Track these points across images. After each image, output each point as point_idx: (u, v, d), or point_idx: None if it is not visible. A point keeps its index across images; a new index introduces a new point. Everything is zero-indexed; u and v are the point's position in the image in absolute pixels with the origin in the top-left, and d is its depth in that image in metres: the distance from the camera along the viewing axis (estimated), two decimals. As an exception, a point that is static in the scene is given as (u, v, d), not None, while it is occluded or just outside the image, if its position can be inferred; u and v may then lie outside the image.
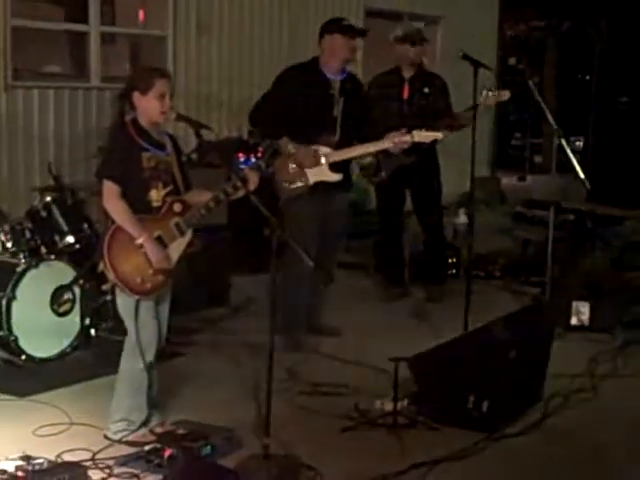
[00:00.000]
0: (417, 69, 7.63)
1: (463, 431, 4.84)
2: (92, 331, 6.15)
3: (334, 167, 6.29)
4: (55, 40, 9.70)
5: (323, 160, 6.24)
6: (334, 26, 6.32)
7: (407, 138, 6.32)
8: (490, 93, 6.52)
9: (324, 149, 6.25)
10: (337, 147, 6.30)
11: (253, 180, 4.58)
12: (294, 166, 6.19)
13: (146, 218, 4.48)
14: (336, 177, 6.32)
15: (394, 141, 6.30)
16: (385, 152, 6.54)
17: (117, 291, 4.59)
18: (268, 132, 6.18)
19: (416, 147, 6.78)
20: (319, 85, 6.30)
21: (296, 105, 6.19)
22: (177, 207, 4.56)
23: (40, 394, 5.27)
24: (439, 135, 6.50)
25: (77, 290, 5.97)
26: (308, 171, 6.23)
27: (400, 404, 5.02)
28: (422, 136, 6.39)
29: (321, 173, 6.26)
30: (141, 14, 10.51)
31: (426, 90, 7.43)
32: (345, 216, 6.63)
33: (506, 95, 6.69)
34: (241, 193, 4.58)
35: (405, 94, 7.56)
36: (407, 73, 7.63)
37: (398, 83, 7.64)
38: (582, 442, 4.91)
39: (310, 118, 6.21)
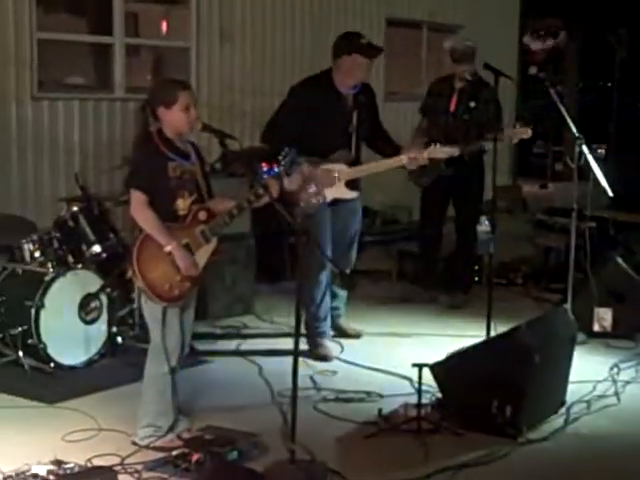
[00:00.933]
0: (471, 80, 7.53)
1: (487, 436, 4.88)
2: (119, 339, 6.24)
3: (350, 184, 6.34)
4: (79, 52, 9.80)
5: (340, 178, 6.27)
6: (353, 46, 6.13)
7: (423, 155, 6.34)
8: (513, 130, 6.61)
9: (340, 166, 6.25)
10: (353, 163, 6.33)
11: (274, 188, 4.65)
12: (311, 188, 6.18)
13: (173, 226, 4.55)
14: (352, 194, 6.38)
15: (409, 157, 6.32)
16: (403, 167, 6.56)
17: (144, 298, 4.66)
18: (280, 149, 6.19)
19: (458, 158, 6.89)
20: (333, 102, 6.23)
21: (310, 122, 6.13)
22: (202, 215, 4.64)
23: (68, 401, 5.35)
24: (455, 151, 6.55)
25: (104, 298, 6.06)
26: (325, 190, 6.26)
27: (424, 410, 5.06)
28: (437, 152, 6.42)
29: (338, 191, 6.30)
30: (164, 25, 10.62)
31: (472, 104, 7.37)
32: (358, 219, 6.65)
33: (527, 133, 6.76)
34: (264, 201, 4.66)
35: (452, 106, 7.53)
36: (459, 83, 7.59)
37: (448, 93, 7.61)
38: (605, 448, 4.93)
39: (325, 135, 6.18)
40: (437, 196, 7.74)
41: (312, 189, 6.16)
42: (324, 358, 6.24)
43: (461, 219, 7.81)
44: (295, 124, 6.14)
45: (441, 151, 6.46)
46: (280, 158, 4.71)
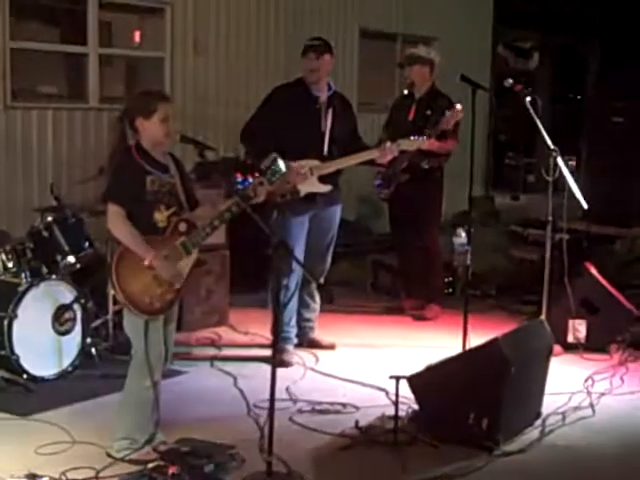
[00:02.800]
0: (428, 90, 7.68)
1: (464, 448, 4.88)
2: (93, 350, 6.19)
3: (323, 179, 6.42)
4: (53, 61, 9.76)
5: (312, 173, 6.36)
6: (304, 48, 6.50)
7: (393, 146, 6.47)
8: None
9: (312, 162, 6.37)
10: (326, 159, 6.44)
11: (261, 195, 4.65)
12: (286, 184, 6.25)
13: (153, 239, 4.52)
14: (326, 188, 6.46)
15: (380, 150, 6.46)
16: (373, 163, 6.64)
17: (125, 311, 4.62)
18: (257, 149, 6.30)
19: (416, 169, 7.01)
20: (305, 101, 6.46)
21: (284, 121, 6.32)
22: (182, 227, 4.61)
23: (41, 413, 5.28)
24: (424, 143, 6.60)
25: (78, 309, 6.01)
26: (299, 185, 6.35)
27: (400, 422, 5.05)
28: (407, 144, 6.59)
29: (311, 185, 6.39)
30: (137, 35, 10.59)
31: (428, 112, 7.48)
32: (335, 228, 6.72)
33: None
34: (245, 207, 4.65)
35: (411, 115, 7.66)
36: (418, 93, 7.73)
37: (409, 104, 7.76)
38: (581, 459, 4.94)
39: (298, 133, 6.33)
40: (398, 207, 7.81)
41: (286, 185, 6.21)
42: (283, 364, 6.22)
43: (418, 229, 7.81)
44: (269, 123, 6.34)
45: (411, 143, 6.60)
46: (264, 169, 4.72)
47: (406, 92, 7.98)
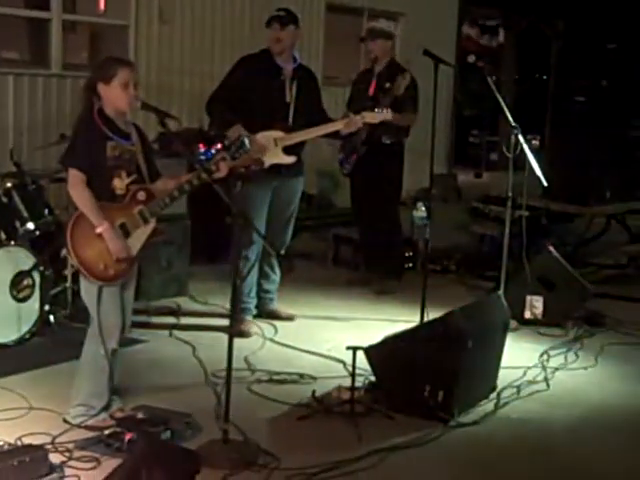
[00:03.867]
0: (387, 64, 7.71)
1: (419, 420, 4.93)
2: (51, 317, 6.17)
3: (287, 150, 6.42)
4: (15, 26, 9.64)
5: (277, 144, 6.36)
6: (268, 19, 6.53)
7: (357, 118, 6.50)
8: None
9: (277, 133, 6.37)
10: (290, 130, 6.44)
11: (223, 170, 4.65)
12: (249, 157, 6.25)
13: (110, 206, 4.51)
14: (290, 159, 6.46)
15: (345, 122, 6.49)
16: (337, 135, 6.66)
17: (81, 278, 4.61)
18: (222, 120, 6.31)
19: (377, 145, 7.11)
20: (270, 72, 6.47)
21: (249, 91, 6.34)
22: (141, 195, 4.60)
23: (-2, 379, 5.28)
24: (388, 115, 6.61)
25: (37, 276, 5.97)
26: (263, 156, 6.36)
27: (357, 392, 5.09)
28: (371, 116, 6.60)
29: (275, 156, 6.39)
30: (102, 2, 10.48)
31: (387, 85, 7.52)
32: (297, 200, 6.75)
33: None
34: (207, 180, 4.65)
35: (371, 90, 7.67)
36: (378, 67, 7.76)
37: (369, 78, 7.78)
38: (534, 431, 5.02)
39: (263, 104, 6.35)
40: (359, 182, 7.85)
41: (250, 157, 6.20)
42: (242, 334, 6.25)
43: (378, 203, 7.84)
44: (235, 94, 6.36)
45: (374, 115, 6.60)
46: (227, 144, 4.72)
47: (368, 67, 7.99)
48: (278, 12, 6.55)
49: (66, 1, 9.12)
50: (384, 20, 8.07)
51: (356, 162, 7.67)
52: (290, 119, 6.46)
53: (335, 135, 6.64)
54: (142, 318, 6.46)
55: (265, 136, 6.31)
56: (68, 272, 6.30)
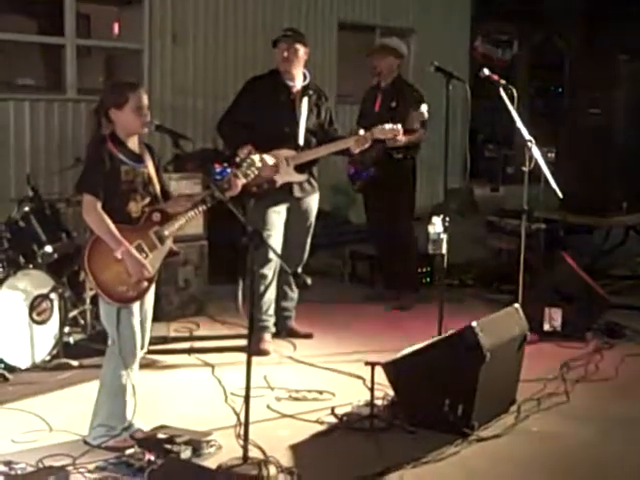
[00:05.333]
0: (393, 80, 7.74)
1: (439, 434, 4.92)
2: (70, 339, 6.20)
3: (299, 168, 6.45)
4: (30, 53, 9.74)
5: (288, 163, 6.40)
6: (278, 37, 6.56)
7: (367, 134, 6.50)
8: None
9: (287, 152, 6.40)
10: (301, 149, 6.48)
11: (236, 188, 4.68)
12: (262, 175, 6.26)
13: (126, 228, 4.54)
14: (302, 177, 6.51)
15: (355, 139, 6.48)
16: (348, 153, 6.65)
17: (100, 300, 4.64)
18: (233, 141, 6.34)
19: (388, 161, 7.19)
20: (279, 91, 6.50)
21: (258, 112, 6.37)
22: (156, 217, 4.64)
23: (18, 402, 5.30)
24: (399, 130, 6.60)
25: (55, 299, 6.00)
26: (275, 175, 6.39)
27: (376, 408, 5.09)
28: (381, 132, 6.58)
29: (287, 175, 6.43)
30: (116, 27, 10.58)
31: (393, 104, 7.53)
32: (312, 218, 6.76)
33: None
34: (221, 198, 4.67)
35: (377, 106, 7.70)
36: (384, 83, 7.79)
37: (375, 94, 7.81)
38: (555, 444, 4.99)
39: (273, 123, 6.37)
40: (372, 198, 7.87)
41: (263, 176, 6.21)
42: (260, 352, 6.27)
43: (391, 219, 7.85)
44: (245, 114, 6.41)
45: (384, 130, 6.59)
46: (238, 162, 4.75)
47: (375, 82, 7.99)
48: (285, 31, 6.62)
49: (81, 27, 9.19)
50: (396, 38, 8.07)
51: (369, 178, 7.68)
52: (300, 137, 6.48)
53: (346, 152, 6.64)
54: (161, 339, 6.48)
55: (276, 155, 6.34)
56: (87, 294, 6.33)
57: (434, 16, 13.31)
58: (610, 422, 5.33)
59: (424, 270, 8.47)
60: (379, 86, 7.83)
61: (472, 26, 14.90)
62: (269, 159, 6.26)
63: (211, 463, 4.42)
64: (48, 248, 6.20)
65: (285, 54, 6.46)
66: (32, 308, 5.89)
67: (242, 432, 4.42)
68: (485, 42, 18.12)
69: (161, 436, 4.57)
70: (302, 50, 6.51)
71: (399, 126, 6.62)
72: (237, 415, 5.05)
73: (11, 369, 5.75)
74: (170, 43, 9.75)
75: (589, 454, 4.91)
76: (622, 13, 16.38)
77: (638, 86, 9.71)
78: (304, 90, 6.56)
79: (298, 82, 6.54)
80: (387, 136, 6.67)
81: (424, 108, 7.19)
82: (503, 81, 6.48)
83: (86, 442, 4.67)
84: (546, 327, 6.90)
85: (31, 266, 6.01)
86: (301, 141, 6.48)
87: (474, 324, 4.99)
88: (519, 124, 6.58)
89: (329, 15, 11.80)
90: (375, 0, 12.62)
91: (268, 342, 6.53)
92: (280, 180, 6.40)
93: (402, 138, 6.87)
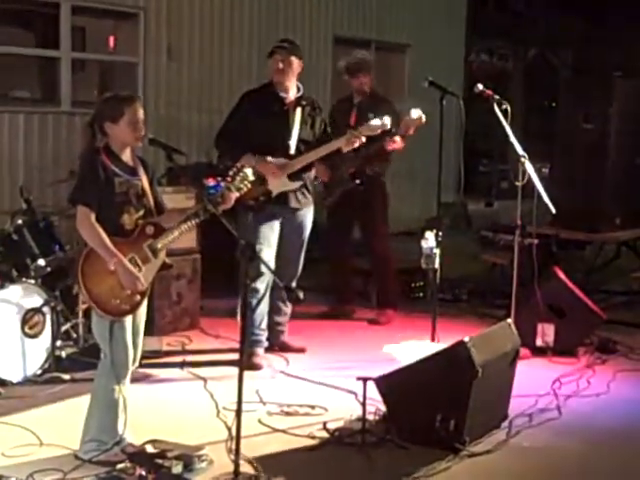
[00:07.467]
0: (367, 94, 7.75)
1: (431, 449, 4.91)
2: (63, 353, 6.19)
3: (293, 176, 6.48)
4: (25, 65, 9.76)
5: (283, 172, 6.41)
6: (272, 49, 6.60)
7: (356, 132, 6.51)
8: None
9: (280, 160, 6.42)
10: (294, 157, 6.50)
11: (229, 201, 4.68)
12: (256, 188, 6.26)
13: (120, 241, 4.53)
14: (296, 185, 6.53)
15: (346, 138, 6.49)
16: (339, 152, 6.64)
17: (93, 313, 4.63)
18: (231, 154, 6.35)
19: (363, 175, 7.33)
20: (272, 102, 6.53)
21: (253, 124, 6.40)
22: (149, 230, 4.63)
23: (9, 416, 5.27)
24: (387, 124, 6.58)
25: (48, 312, 5.99)
26: (270, 185, 6.40)
27: (368, 423, 5.08)
28: (369, 128, 6.56)
29: (281, 184, 6.45)
30: (111, 40, 10.60)
31: (371, 116, 7.52)
32: (307, 232, 6.76)
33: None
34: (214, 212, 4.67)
35: (352, 120, 7.63)
36: (356, 99, 7.81)
37: (348, 109, 7.79)
38: (546, 460, 4.99)
39: (266, 134, 6.39)
40: (343, 214, 7.81)
41: (258, 188, 6.21)
42: (252, 366, 6.26)
43: (367, 236, 7.89)
44: (240, 126, 6.44)
45: (371, 126, 6.56)
46: (232, 174, 4.74)
47: (346, 95, 7.98)
48: (282, 42, 6.65)
49: (76, 40, 9.22)
50: (360, 50, 8.12)
51: (341, 195, 7.65)
52: (293, 147, 6.50)
53: (337, 152, 6.62)
54: (153, 353, 6.47)
55: (266, 166, 6.35)
56: (80, 308, 6.33)
57: (429, 31, 13.37)
58: (602, 438, 5.33)
59: (417, 285, 8.48)
60: (352, 100, 7.83)
61: (467, 42, 14.96)
62: (261, 168, 6.26)
63: (202, 478, 4.41)
64: (41, 261, 6.18)
65: (280, 65, 6.48)
66: (24, 321, 5.87)
67: (234, 447, 4.40)
68: (480, 54, 18.20)
69: (152, 450, 4.55)
70: (296, 63, 6.53)
71: (385, 119, 6.58)
72: (229, 429, 5.04)
73: (2, 383, 5.73)
74: (165, 57, 9.78)
75: (581, 470, 4.91)
76: (616, 30, 16.47)
77: (631, 102, 9.77)
78: (297, 101, 6.59)
79: (291, 93, 6.57)
80: (375, 132, 6.61)
81: (417, 113, 7.11)
82: (497, 96, 6.50)
83: (77, 456, 4.65)
84: (538, 342, 6.90)
85: (24, 279, 5.99)
86: (293, 151, 6.50)
87: (466, 339, 4.99)
88: (512, 139, 6.60)
89: (325, 30, 11.84)
90: (371, 15, 12.69)
91: (260, 356, 6.53)
92: (275, 190, 6.41)
93: (400, 142, 6.87)
